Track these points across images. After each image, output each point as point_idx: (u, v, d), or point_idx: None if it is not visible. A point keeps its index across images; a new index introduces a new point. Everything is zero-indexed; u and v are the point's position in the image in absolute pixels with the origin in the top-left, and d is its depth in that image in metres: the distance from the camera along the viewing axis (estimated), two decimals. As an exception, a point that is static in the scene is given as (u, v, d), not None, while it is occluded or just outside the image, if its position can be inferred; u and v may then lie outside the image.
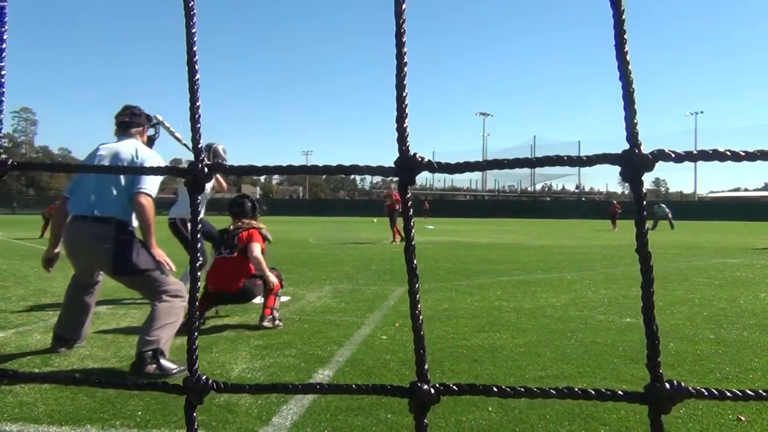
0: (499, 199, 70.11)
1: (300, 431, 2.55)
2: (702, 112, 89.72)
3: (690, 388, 0.55)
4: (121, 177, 3.60)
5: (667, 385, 0.55)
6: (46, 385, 2.99)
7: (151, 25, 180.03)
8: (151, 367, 3.31)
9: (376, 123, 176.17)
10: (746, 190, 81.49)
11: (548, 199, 74.82)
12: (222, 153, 5.95)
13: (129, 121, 3.88)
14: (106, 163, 3.62)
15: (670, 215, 29.10)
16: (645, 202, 0.56)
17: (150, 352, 3.33)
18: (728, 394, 0.56)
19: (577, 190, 76.24)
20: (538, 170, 66.78)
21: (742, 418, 2.65)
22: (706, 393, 0.55)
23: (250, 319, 4.92)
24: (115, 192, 3.57)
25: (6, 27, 0.68)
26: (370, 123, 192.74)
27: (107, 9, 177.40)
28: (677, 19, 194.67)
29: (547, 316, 5.13)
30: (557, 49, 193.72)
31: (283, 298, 6.04)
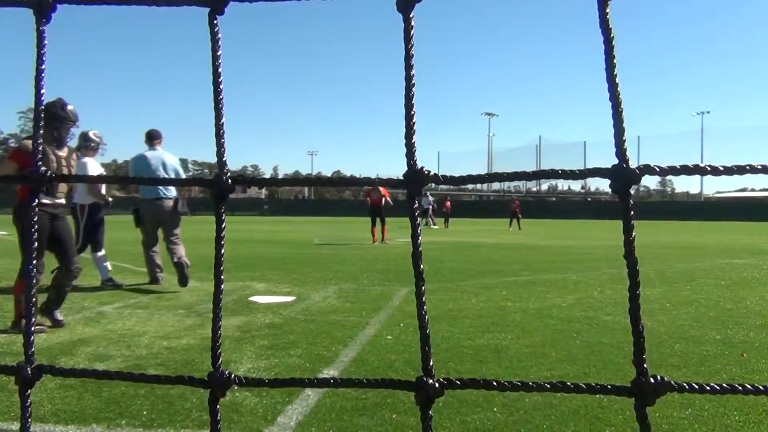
0: (505, 199, 69.95)
1: (305, 431, 2.55)
2: (708, 112, 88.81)
3: (672, 382, 0.59)
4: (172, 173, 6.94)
5: (652, 380, 0.59)
6: (51, 384, 3.00)
7: (159, 28, 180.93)
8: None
9: (380, 123, 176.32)
10: (753, 190, 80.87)
11: (554, 199, 74.64)
12: (93, 137, 6.98)
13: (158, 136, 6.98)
14: (160, 168, 6.73)
15: (430, 210, 24.24)
16: (632, 212, 0.61)
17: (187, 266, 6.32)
18: (707, 387, 0.60)
19: (582, 191, 76.04)
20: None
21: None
22: (687, 387, 0.59)
23: (256, 319, 4.93)
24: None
25: (45, 50, 0.70)
26: (374, 124, 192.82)
27: (113, 11, 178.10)
28: (685, 19, 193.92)
29: (553, 317, 5.12)
30: (563, 50, 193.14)
31: (288, 299, 6.06)
